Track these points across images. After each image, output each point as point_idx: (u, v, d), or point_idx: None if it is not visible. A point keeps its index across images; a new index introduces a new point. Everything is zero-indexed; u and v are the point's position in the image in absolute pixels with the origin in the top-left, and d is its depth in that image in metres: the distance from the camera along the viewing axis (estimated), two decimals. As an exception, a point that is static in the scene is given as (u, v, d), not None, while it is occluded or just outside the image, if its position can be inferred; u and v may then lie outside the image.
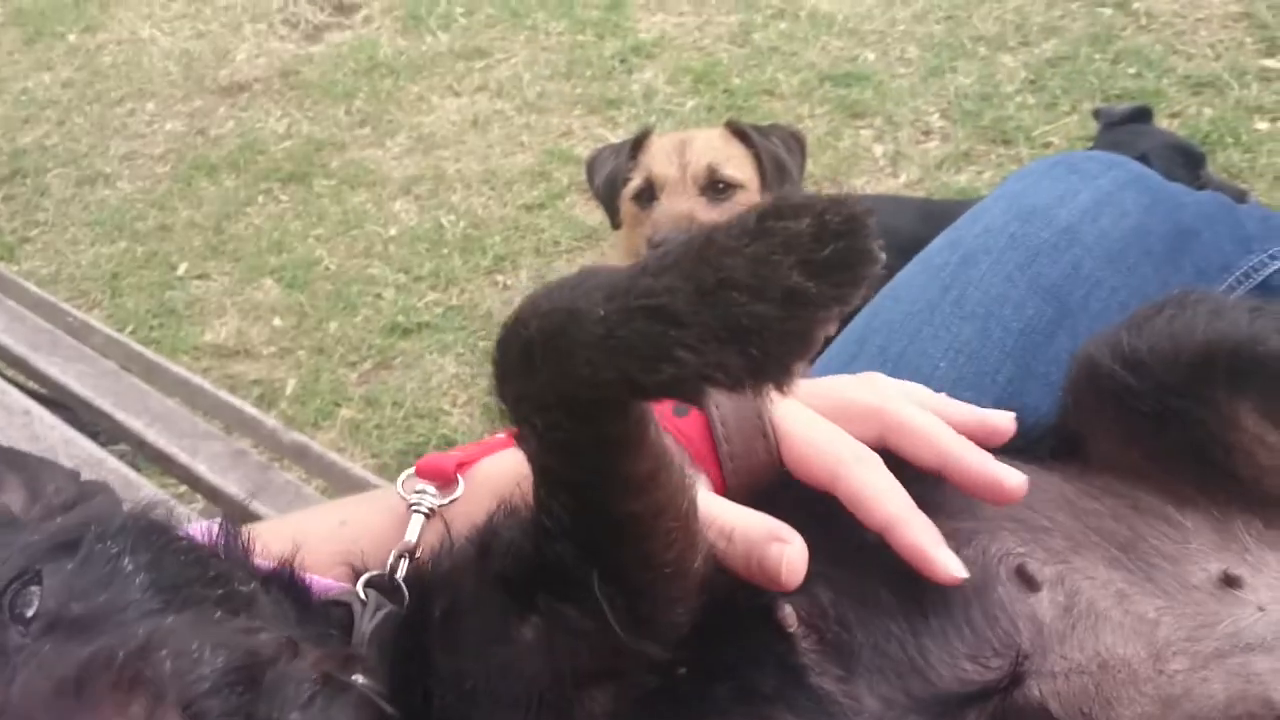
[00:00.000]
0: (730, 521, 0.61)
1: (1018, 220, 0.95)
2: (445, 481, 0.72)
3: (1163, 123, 2.79)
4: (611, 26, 3.71)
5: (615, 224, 2.29)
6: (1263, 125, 2.77)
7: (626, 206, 2.22)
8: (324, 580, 0.68)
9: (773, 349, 0.45)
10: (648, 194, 2.15)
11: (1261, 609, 0.64)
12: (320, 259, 3.04)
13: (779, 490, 0.67)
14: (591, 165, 2.31)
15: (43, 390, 1.76)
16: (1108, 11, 3.25)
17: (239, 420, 1.70)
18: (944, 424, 0.66)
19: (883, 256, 0.45)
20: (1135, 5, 3.24)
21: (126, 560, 0.56)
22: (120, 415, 1.65)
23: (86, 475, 1.63)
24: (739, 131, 2.20)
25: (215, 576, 0.60)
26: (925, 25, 3.37)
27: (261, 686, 0.49)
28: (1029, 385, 0.89)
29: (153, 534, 0.60)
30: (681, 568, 0.57)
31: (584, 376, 0.47)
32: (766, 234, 0.46)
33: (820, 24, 3.47)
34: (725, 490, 0.67)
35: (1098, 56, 3.08)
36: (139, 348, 1.84)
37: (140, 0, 4.40)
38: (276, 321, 2.86)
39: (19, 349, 1.77)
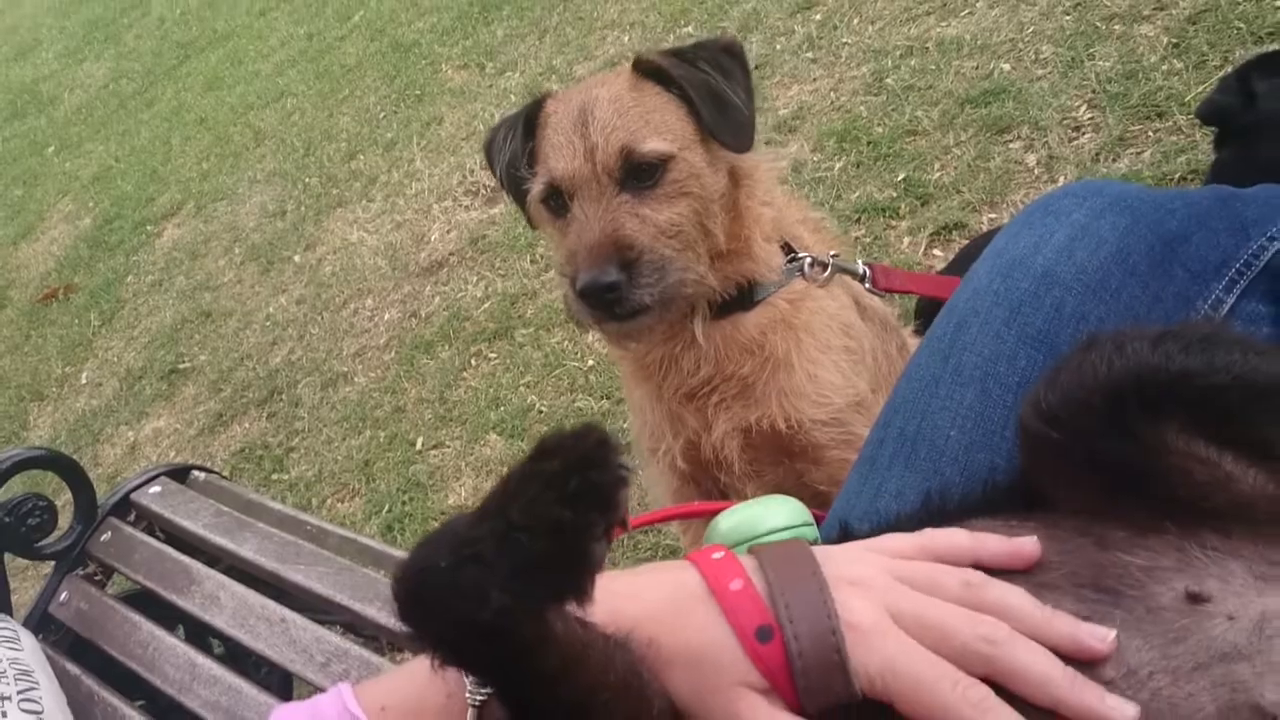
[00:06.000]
0: None
1: (1000, 277, 0.98)
2: None
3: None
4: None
5: (531, 223, 1.73)
6: None
7: (538, 212, 1.66)
8: None
9: (558, 574, 0.56)
10: (557, 199, 1.58)
11: (1231, 617, 0.66)
12: (533, 404, 3.27)
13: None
14: (490, 148, 1.73)
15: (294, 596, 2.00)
16: (1243, -53, 3.08)
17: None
18: (1057, 665, 0.69)
19: (625, 475, 0.56)
20: (1272, -69, 3.06)
21: None
22: (357, 606, 1.86)
23: (335, 666, 1.84)
24: (652, 69, 1.58)
25: None
26: (1053, 20, 3.29)
27: None
28: None
29: None
30: None
31: (445, 619, 0.59)
32: (535, 477, 0.57)
33: (949, 50, 3.46)
34: (800, 711, 0.71)
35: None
36: (366, 540, 2.06)
37: (346, 209, 4.89)
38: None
39: (270, 564, 2.02)
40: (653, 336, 1.58)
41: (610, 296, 1.46)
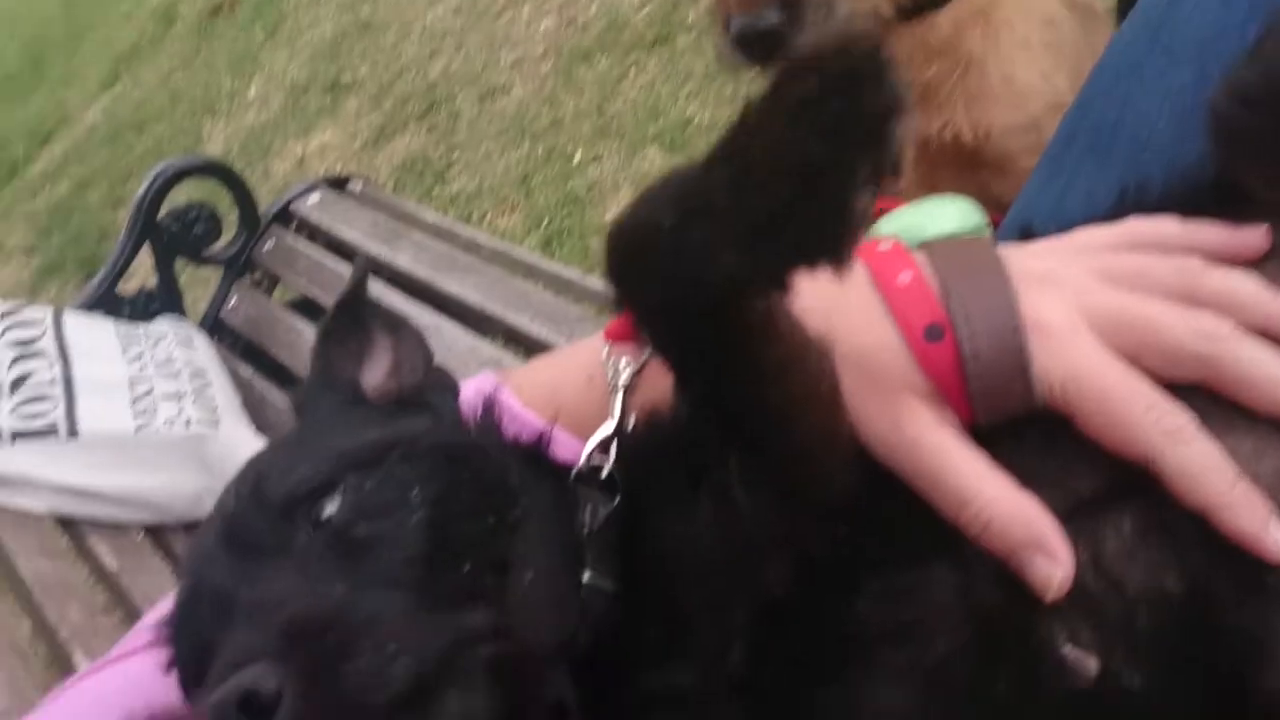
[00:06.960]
0: (987, 506, 0.55)
1: None
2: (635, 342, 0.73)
3: None
4: None
5: None
6: None
7: None
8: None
9: (809, 232, 0.44)
10: None
11: None
12: (693, 116, 3.12)
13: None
14: None
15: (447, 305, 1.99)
16: None
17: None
18: None
19: (904, 99, 0.42)
20: None
21: (415, 491, 0.60)
22: (510, 316, 1.84)
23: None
24: None
25: (486, 492, 0.63)
26: None
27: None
28: None
29: (446, 461, 0.63)
30: (826, 446, 0.57)
31: (666, 287, 0.49)
32: (780, 106, 0.44)
33: None
34: (972, 422, 0.60)
35: None
36: (519, 253, 2.02)
37: (500, -91, 4.64)
38: (665, 188, 2.99)
39: (424, 273, 2.02)
40: None
41: (769, 43, 1.27)
